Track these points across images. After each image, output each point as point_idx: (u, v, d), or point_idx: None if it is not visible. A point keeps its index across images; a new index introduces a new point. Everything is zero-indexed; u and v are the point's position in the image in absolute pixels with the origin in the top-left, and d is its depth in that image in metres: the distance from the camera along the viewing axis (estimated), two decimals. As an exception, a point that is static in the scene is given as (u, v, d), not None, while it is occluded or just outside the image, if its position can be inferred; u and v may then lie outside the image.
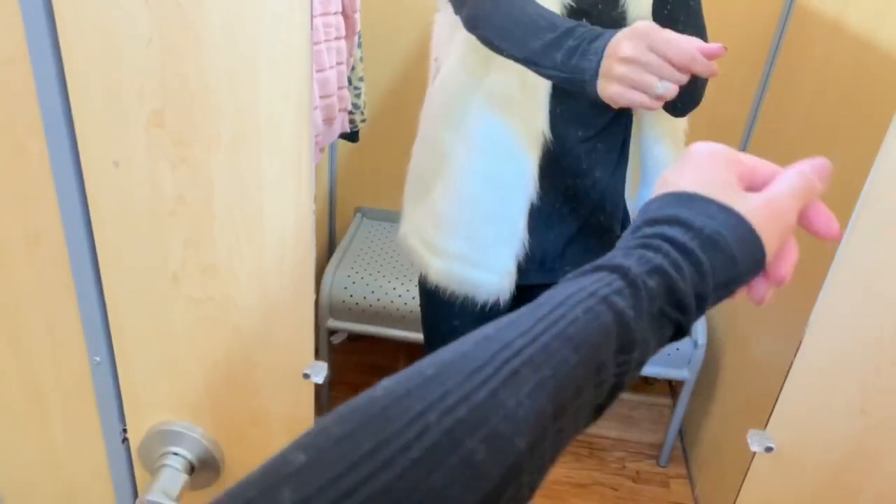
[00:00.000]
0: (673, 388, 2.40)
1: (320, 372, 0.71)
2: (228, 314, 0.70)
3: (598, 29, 0.83)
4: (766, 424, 0.69)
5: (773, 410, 0.69)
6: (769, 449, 0.68)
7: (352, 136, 1.88)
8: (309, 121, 0.59)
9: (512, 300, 1.31)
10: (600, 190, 1.18)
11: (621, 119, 1.14)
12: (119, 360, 0.74)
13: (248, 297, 0.69)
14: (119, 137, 0.62)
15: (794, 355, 0.72)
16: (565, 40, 0.84)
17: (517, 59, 0.93)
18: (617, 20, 1.05)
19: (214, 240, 0.66)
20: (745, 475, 0.71)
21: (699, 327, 1.96)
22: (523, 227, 1.15)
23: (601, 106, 0.87)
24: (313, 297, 0.66)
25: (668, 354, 1.96)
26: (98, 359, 0.74)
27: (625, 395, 2.41)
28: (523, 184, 1.12)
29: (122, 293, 0.71)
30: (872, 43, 1.41)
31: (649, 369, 1.99)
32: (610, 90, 0.79)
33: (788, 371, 0.70)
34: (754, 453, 0.69)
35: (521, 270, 1.20)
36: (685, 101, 1.04)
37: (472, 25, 0.99)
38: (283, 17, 0.56)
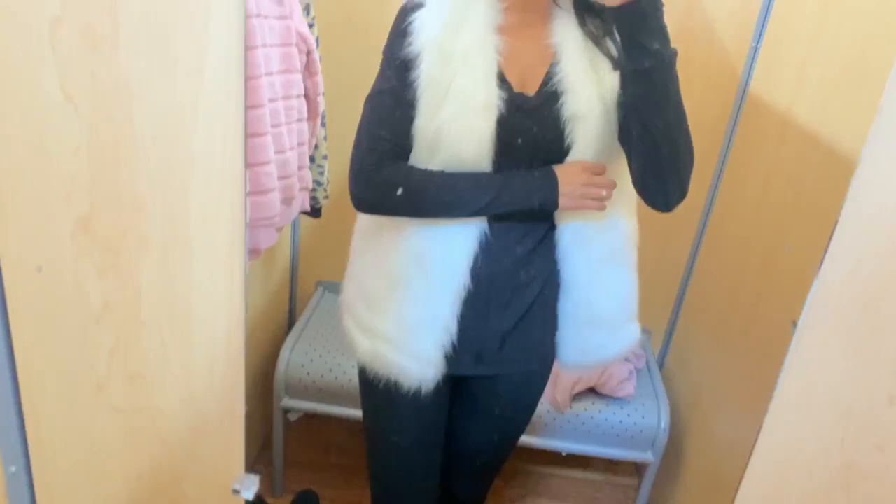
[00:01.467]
0: (638, 468, 2.36)
1: (251, 486, 0.67)
2: (155, 425, 0.66)
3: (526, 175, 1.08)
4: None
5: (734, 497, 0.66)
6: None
7: (315, 213, 1.87)
8: (243, 229, 0.58)
9: (450, 391, 1.28)
10: (541, 282, 1.17)
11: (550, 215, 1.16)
12: (36, 471, 0.69)
13: (176, 408, 0.65)
14: (43, 242, 0.60)
15: (755, 438, 0.70)
16: (505, 192, 1.07)
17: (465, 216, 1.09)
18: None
19: (142, 348, 0.63)
20: None
21: (662, 410, 1.94)
22: (452, 314, 1.13)
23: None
24: (244, 408, 0.63)
25: (632, 437, 1.94)
26: (13, 469, 0.69)
27: (589, 475, 2.36)
28: (456, 270, 1.11)
29: (42, 401, 0.67)
30: (819, 136, 1.46)
31: (613, 452, 1.96)
32: (571, 204, 1.08)
33: (749, 458, 0.68)
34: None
35: (455, 361, 1.18)
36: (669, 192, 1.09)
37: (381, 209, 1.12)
38: (217, 129, 0.55)
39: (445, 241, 1.11)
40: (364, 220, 1.23)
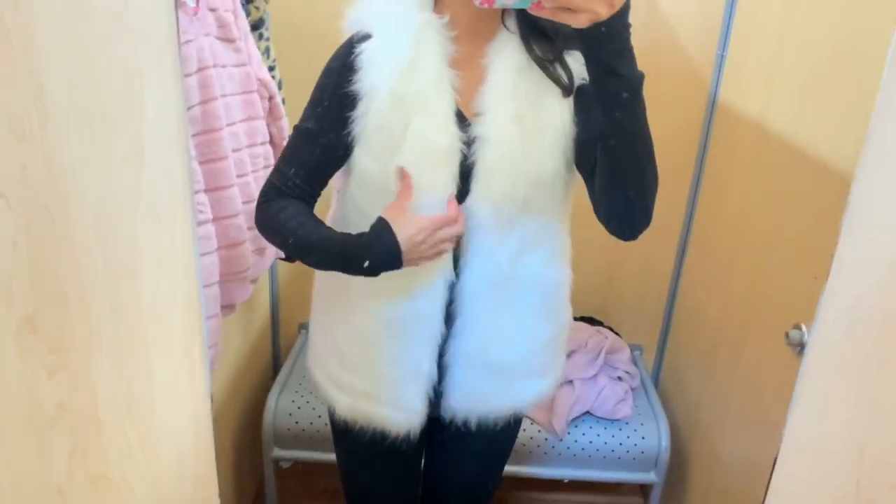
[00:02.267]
0: (643, 487, 2.32)
1: (233, 584, 0.62)
2: (123, 528, 0.61)
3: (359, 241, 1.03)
4: None
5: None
6: None
7: (290, 257, 1.82)
8: (200, 316, 0.53)
9: (429, 431, 1.23)
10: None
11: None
12: (-2, 586, 0.64)
13: (145, 509, 0.60)
14: (-14, 347, 0.55)
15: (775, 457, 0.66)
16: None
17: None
18: None
19: (103, 448, 0.59)
20: None
21: (661, 429, 1.90)
22: (429, 367, 1.10)
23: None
24: (217, 501, 0.58)
25: (634, 459, 1.90)
26: (-26, 586, 0.64)
27: (594, 498, 2.31)
28: (427, 326, 1.08)
29: (0, 510, 0.62)
30: (793, 142, 1.44)
31: (615, 475, 1.92)
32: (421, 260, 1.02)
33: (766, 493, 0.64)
34: None
35: (436, 404, 1.15)
36: (632, 220, 1.03)
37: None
38: (162, 216, 0.51)
39: (414, 301, 1.07)
40: (325, 274, 1.16)
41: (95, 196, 0.50)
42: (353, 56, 1.03)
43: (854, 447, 0.57)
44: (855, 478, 0.58)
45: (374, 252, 1.00)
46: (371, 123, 1.02)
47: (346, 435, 1.25)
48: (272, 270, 2.14)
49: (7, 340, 0.55)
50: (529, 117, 1.01)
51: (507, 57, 1.02)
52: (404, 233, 0.99)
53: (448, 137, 1.01)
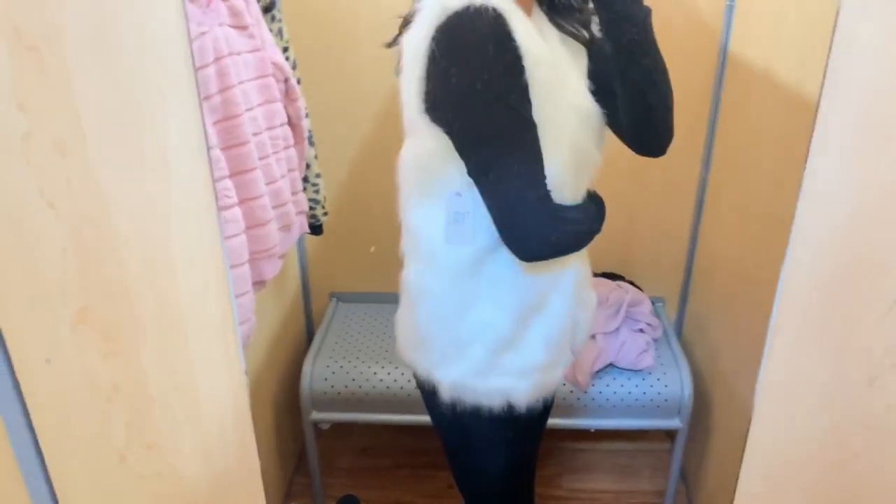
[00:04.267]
0: (670, 434, 2.39)
1: (276, 532, 0.71)
2: (177, 487, 0.70)
3: None
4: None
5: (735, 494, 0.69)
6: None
7: (316, 230, 1.90)
8: (230, 300, 0.61)
9: None
10: None
11: None
12: (74, 541, 0.73)
13: (195, 470, 0.69)
14: (47, 337, 0.63)
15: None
16: None
17: None
18: None
19: (155, 420, 0.67)
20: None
21: (684, 377, 1.96)
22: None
23: None
24: (258, 463, 0.67)
25: (658, 406, 1.96)
26: (54, 541, 0.74)
27: (622, 446, 2.40)
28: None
29: (69, 475, 0.71)
30: (801, 93, 1.46)
31: (640, 423, 1.99)
32: None
33: (741, 471, 0.71)
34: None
35: None
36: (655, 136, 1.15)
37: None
38: (189, 215, 0.58)
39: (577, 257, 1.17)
40: (446, 264, 1.11)
41: (131, 202, 0.57)
42: (504, 25, 0.91)
43: (825, 393, 0.63)
44: (828, 420, 0.63)
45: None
46: (538, 96, 0.96)
47: (518, 418, 1.19)
48: (300, 244, 2.22)
49: (65, 331, 0.64)
50: None
51: (548, 27, 1.08)
52: None
53: (591, 103, 1.07)
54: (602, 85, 1.10)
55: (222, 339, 0.63)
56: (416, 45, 0.97)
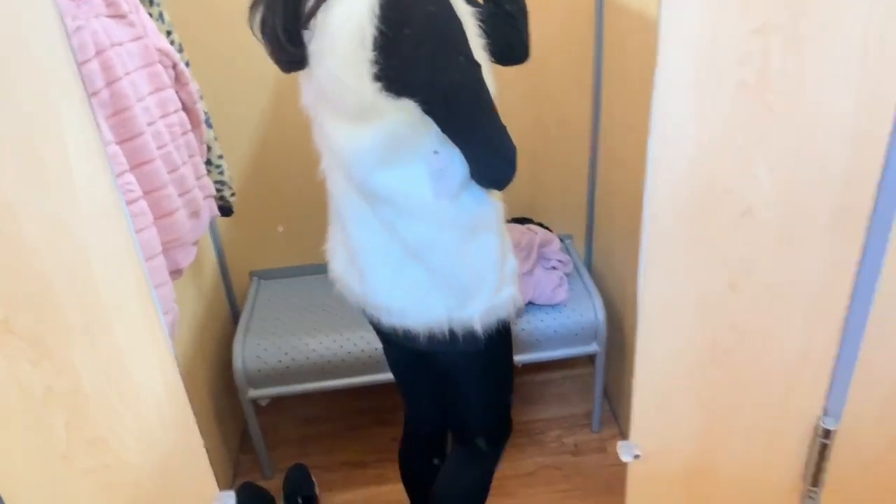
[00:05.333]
0: (591, 359, 2.55)
1: (228, 501, 0.76)
2: (125, 475, 0.74)
3: None
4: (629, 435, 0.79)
5: (630, 423, 0.79)
6: (637, 456, 0.78)
7: (226, 212, 1.90)
8: (149, 291, 0.64)
9: None
10: None
11: None
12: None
13: (141, 456, 0.73)
14: (-27, 352, 0.65)
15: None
16: None
17: None
18: None
19: (94, 415, 0.70)
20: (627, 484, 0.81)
21: (596, 305, 2.10)
22: None
23: None
24: (201, 440, 0.71)
25: (576, 335, 2.10)
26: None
27: (550, 375, 2.54)
28: None
29: (16, 478, 0.73)
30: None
31: (562, 352, 2.12)
32: None
33: (634, 382, 0.80)
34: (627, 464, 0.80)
35: None
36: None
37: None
38: (97, 213, 0.60)
39: None
40: (443, 214, 1.19)
41: (39, 211, 0.59)
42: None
43: (695, 298, 0.72)
44: (701, 322, 0.73)
45: None
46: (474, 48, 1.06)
47: (509, 324, 1.34)
48: (213, 227, 2.21)
49: (-10, 343, 0.65)
50: None
51: None
52: None
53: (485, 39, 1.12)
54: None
55: (148, 328, 0.66)
56: (352, 27, 0.98)
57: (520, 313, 1.59)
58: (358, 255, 1.27)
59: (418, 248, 1.21)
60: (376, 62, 0.98)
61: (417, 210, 1.17)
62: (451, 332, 1.27)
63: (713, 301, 0.73)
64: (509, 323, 1.34)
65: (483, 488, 1.59)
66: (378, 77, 0.99)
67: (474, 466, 1.57)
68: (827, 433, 0.82)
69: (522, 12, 1.31)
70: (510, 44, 1.30)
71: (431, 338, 1.28)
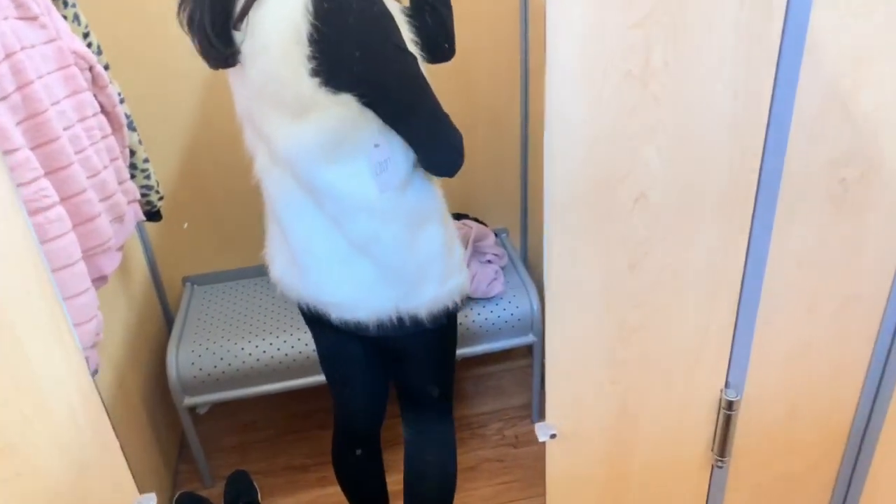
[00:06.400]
0: (528, 348, 2.60)
1: (150, 502, 0.75)
2: (39, 483, 0.72)
3: None
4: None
5: (546, 405, 0.82)
6: (553, 436, 0.81)
7: (154, 217, 1.86)
8: (56, 297, 0.64)
9: None
10: None
11: None
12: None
13: (55, 463, 0.72)
14: None
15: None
16: None
17: None
18: None
19: (3, 423, 0.69)
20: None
21: (532, 296, 2.14)
22: None
23: None
24: (117, 442, 0.71)
25: (513, 326, 2.13)
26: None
27: (490, 369, 2.58)
28: None
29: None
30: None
31: (500, 344, 2.16)
32: None
33: (546, 363, 0.83)
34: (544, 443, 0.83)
35: None
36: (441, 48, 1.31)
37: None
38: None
39: None
40: (387, 208, 1.21)
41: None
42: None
43: (597, 279, 0.76)
44: (605, 303, 0.77)
45: None
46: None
47: (457, 307, 1.37)
48: (142, 232, 2.16)
49: None
50: None
51: None
52: None
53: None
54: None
55: (56, 335, 0.66)
56: (287, 26, 0.99)
57: (463, 301, 1.62)
58: (301, 254, 1.28)
59: (365, 242, 1.22)
60: (313, 57, 0.99)
61: (363, 205, 1.18)
62: (400, 319, 1.30)
63: (616, 282, 0.76)
64: (456, 307, 1.38)
65: (454, 443, 1.64)
66: (315, 72, 1.00)
67: (446, 423, 1.61)
68: (730, 404, 0.87)
69: (446, 6, 1.33)
70: (436, 39, 1.31)
71: (380, 326, 1.31)
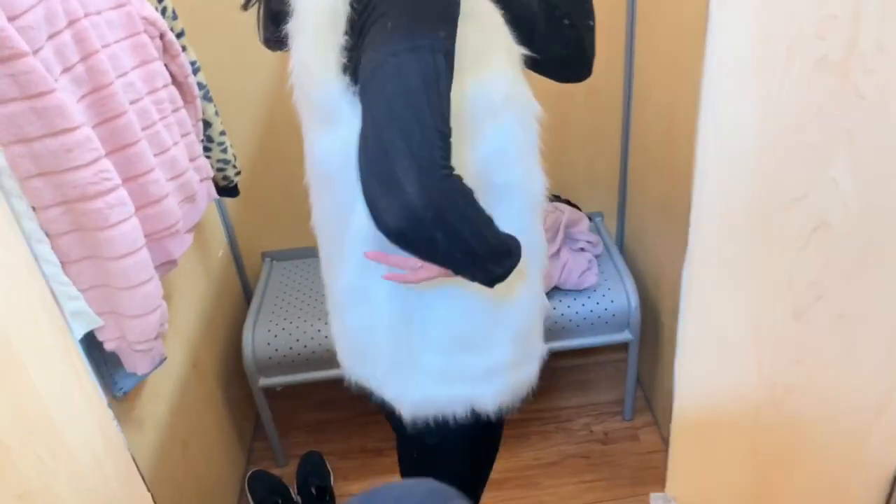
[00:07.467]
0: (624, 346, 2.41)
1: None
2: (64, 532, 0.63)
3: None
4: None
5: (667, 471, 0.65)
6: (670, 507, 0.65)
7: (231, 192, 1.78)
8: (68, 334, 0.52)
9: None
10: None
11: None
12: None
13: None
14: None
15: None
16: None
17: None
18: None
19: (18, 468, 0.59)
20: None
21: (629, 290, 1.95)
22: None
23: None
24: (142, 483, 0.60)
25: (606, 322, 1.96)
26: None
27: (577, 361, 2.42)
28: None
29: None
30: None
31: (592, 340, 1.98)
32: None
33: (670, 431, 0.67)
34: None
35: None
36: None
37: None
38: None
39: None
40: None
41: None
42: None
43: (751, 332, 0.58)
44: (757, 359, 0.59)
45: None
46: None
47: (487, 426, 1.07)
48: (221, 207, 2.10)
49: None
50: None
51: None
52: None
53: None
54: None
55: (71, 368, 0.55)
56: (325, 6, 0.82)
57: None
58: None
59: (352, 293, 1.07)
60: (346, 49, 0.81)
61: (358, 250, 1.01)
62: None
63: (774, 333, 0.58)
64: (474, 423, 1.06)
65: None
66: (346, 68, 0.82)
67: None
68: (904, 481, 0.68)
69: (584, 16, 1.01)
70: (563, 55, 1.03)
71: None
